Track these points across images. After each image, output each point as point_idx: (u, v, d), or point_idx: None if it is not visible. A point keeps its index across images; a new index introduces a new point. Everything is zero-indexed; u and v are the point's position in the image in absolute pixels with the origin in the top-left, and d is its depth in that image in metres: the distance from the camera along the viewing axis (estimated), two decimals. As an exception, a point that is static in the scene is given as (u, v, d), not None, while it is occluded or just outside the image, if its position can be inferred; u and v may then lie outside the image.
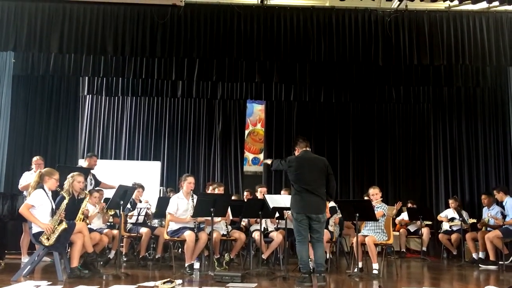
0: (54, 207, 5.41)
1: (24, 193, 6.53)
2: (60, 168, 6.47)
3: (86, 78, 9.60)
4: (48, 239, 5.21)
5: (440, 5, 7.43)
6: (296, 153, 5.61)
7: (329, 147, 10.81)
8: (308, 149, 5.56)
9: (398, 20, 7.32)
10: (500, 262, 7.31)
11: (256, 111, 11.58)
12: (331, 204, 6.83)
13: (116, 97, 10.75)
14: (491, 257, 7.44)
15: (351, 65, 8.46)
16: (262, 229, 6.35)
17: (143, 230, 6.81)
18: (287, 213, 6.37)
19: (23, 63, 8.53)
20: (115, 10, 7.26)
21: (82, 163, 7.73)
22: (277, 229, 6.91)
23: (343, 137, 10.90)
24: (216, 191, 7.00)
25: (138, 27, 7.21)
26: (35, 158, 7.20)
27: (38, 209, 5.29)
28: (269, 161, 5.81)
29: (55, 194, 5.65)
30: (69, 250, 5.57)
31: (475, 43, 7.27)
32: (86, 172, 6.92)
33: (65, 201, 5.43)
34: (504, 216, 7.57)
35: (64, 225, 5.24)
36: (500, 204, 7.85)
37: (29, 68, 8.51)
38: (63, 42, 7.15)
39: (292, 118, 11.02)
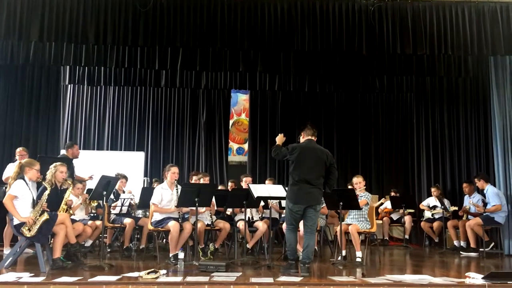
0: (35, 198, 5.34)
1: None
2: (42, 159, 6.38)
3: (68, 67, 9.44)
4: (29, 230, 5.15)
5: (423, -5, 7.47)
6: (302, 138, 5.58)
7: (314, 136, 10.84)
8: (313, 138, 5.52)
9: (381, 10, 7.32)
10: (480, 249, 7.45)
11: (241, 100, 11.55)
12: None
13: (99, 87, 10.63)
14: (472, 244, 7.58)
15: (335, 54, 8.45)
16: (247, 219, 6.37)
17: (127, 221, 6.78)
18: (272, 203, 6.39)
19: (2, 51, 8.32)
20: (96, -2, 7.13)
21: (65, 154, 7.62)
22: (261, 218, 6.93)
23: (327, 127, 10.96)
24: (201, 181, 6.99)
25: (120, 15, 7.09)
26: (18, 149, 7.06)
27: (20, 200, 5.22)
28: (279, 141, 5.53)
29: (39, 185, 5.58)
30: (51, 241, 5.52)
31: (457, 32, 7.31)
32: (68, 162, 6.84)
33: (47, 192, 5.37)
34: (485, 204, 7.69)
35: (45, 216, 5.18)
36: (481, 192, 7.98)
37: (8, 57, 8.32)
38: (43, 30, 7.00)
39: (277, 108, 11.04)
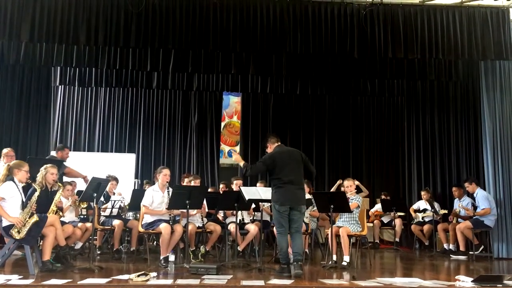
0: (24, 199, 5.30)
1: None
2: (31, 160, 6.34)
3: (58, 68, 9.39)
4: (18, 232, 5.10)
5: (415, -1, 7.53)
6: (269, 150, 5.64)
7: (305, 139, 10.90)
8: (280, 143, 5.63)
9: (373, 13, 7.35)
10: (470, 252, 7.49)
11: (232, 103, 11.54)
12: (307, 196, 6.87)
13: (90, 88, 10.58)
14: (461, 248, 7.63)
15: (327, 57, 8.48)
16: (238, 221, 6.36)
17: (116, 223, 6.73)
18: (263, 205, 6.38)
19: (-8, 52, 8.28)
20: (88, -2, 7.09)
21: (54, 155, 7.57)
22: (252, 221, 6.92)
23: (319, 130, 11.00)
24: (193, 184, 6.98)
25: (111, 16, 7.05)
26: (5, 150, 6.99)
27: (8, 201, 5.17)
28: (241, 163, 5.62)
29: (27, 187, 5.53)
30: (41, 243, 5.47)
31: (448, 37, 7.37)
32: (58, 164, 6.79)
33: (36, 194, 5.32)
34: (475, 207, 7.74)
35: (35, 218, 5.14)
36: (471, 195, 8.03)
37: (-2, 57, 8.28)
38: (34, 31, 6.94)
39: (268, 110, 11.05)
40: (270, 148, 5.63)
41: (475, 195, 7.74)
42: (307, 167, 5.57)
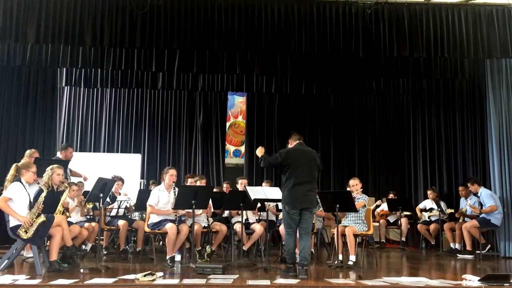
0: (31, 200, 5.33)
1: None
2: (38, 161, 6.36)
3: (64, 69, 9.41)
4: (26, 232, 5.13)
5: (420, -2, 7.50)
6: (290, 145, 5.65)
7: (310, 139, 10.85)
8: (302, 141, 5.62)
9: (378, 12, 7.33)
10: (477, 252, 7.46)
11: (237, 103, 11.55)
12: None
13: (95, 89, 10.62)
14: (468, 247, 7.59)
15: (332, 57, 8.47)
16: (244, 221, 6.36)
17: (120, 223, 6.76)
18: (269, 205, 6.39)
19: (-2, 53, 8.32)
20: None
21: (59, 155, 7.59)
22: (258, 220, 6.93)
23: (324, 129, 10.99)
24: (198, 184, 6.99)
25: (117, 17, 7.07)
26: (29, 151, 6.91)
27: (16, 202, 5.21)
28: (259, 153, 5.63)
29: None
30: (48, 243, 5.50)
31: (454, 35, 7.34)
32: (65, 164, 6.81)
33: (43, 194, 5.35)
34: (481, 206, 7.71)
35: (42, 218, 5.17)
36: (476, 195, 8.00)
37: (4, 59, 8.31)
38: (40, 32, 6.97)
39: (273, 110, 11.05)
40: (291, 144, 5.65)
41: (479, 194, 7.72)
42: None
